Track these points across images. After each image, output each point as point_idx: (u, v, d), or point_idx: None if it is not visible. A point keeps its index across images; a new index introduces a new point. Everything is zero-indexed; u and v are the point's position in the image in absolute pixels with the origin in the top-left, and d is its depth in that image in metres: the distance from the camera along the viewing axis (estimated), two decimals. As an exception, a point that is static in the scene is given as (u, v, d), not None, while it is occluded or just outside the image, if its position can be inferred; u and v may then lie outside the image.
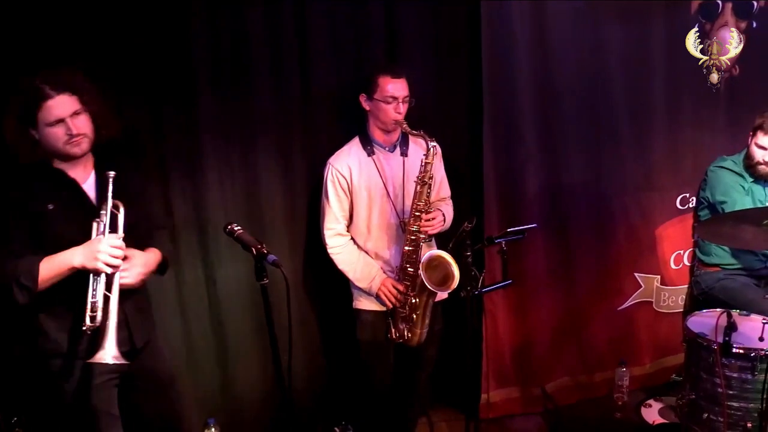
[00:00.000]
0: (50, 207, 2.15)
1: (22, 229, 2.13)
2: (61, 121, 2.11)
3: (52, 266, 2.09)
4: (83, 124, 2.16)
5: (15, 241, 2.11)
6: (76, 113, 2.14)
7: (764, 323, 2.75)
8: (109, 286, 2.11)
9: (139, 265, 2.24)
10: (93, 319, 2.07)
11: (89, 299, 2.08)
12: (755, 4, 3.60)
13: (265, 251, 1.96)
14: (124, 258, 2.15)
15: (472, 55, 3.22)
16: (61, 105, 2.11)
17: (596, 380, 3.75)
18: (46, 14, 2.54)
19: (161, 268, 2.44)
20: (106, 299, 2.10)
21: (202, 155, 2.95)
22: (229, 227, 2.07)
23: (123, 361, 2.09)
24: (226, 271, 3.06)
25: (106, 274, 2.10)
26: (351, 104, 2.96)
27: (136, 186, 2.38)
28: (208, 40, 2.85)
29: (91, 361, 2.06)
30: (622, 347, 3.74)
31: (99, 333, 2.09)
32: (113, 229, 2.16)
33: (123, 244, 2.13)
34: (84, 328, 2.07)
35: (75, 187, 2.21)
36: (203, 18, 2.82)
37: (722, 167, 3.42)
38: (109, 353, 2.05)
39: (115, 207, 2.16)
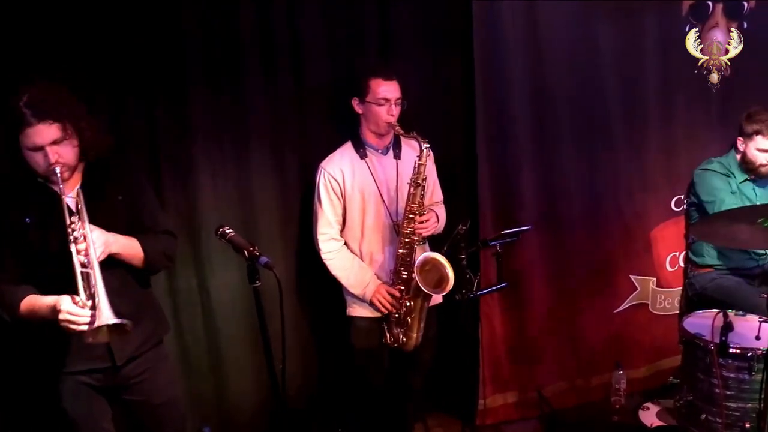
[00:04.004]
0: (27, 220, 2.12)
1: (6, 245, 2.11)
2: (40, 148, 2.07)
3: (33, 306, 2.10)
4: (64, 153, 2.11)
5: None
6: (55, 142, 2.08)
7: (761, 322, 2.75)
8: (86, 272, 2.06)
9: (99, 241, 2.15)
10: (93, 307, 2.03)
11: (85, 299, 2.04)
12: (745, 4, 3.62)
13: (258, 253, 1.94)
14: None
15: (466, 55, 3.22)
16: (41, 133, 2.06)
17: (593, 384, 3.74)
18: (40, 21, 2.53)
19: (148, 266, 2.35)
20: (86, 276, 2.05)
21: (194, 160, 2.94)
22: (221, 230, 2.05)
23: (121, 321, 2.01)
24: (220, 277, 3.04)
25: (81, 263, 2.06)
26: (344, 106, 2.96)
27: (134, 189, 2.34)
28: (200, 42, 2.84)
29: (92, 327, 2.00)
30: (619, 350, 3.73)
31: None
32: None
33: (80, 305, 2.05)
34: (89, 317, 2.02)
35: (55, 198, 2.15)
36: (195, 20, 2.81)
37: (708, 169, 3.43)
38: (105, 317, 1.99)
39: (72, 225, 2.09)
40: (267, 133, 3.05)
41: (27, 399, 2.62)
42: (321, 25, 3.03)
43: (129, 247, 2.25)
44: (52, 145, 2.08)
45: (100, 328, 1.99)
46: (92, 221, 2.12)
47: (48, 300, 2.08)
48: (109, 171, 2.29)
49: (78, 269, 2.02)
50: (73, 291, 2.07)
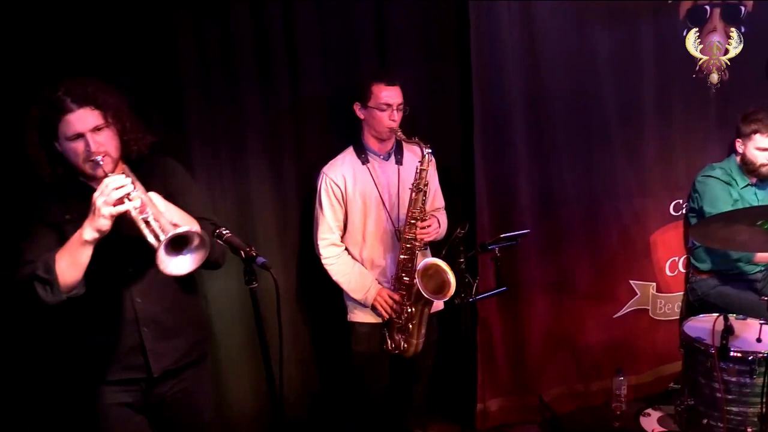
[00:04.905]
0: (67, 217, 2.06)
1: (45, 239, 2.04)
2: (80, 135, 2.00)
3: (67, 249, 1.96)
4: (105, 141, 2.03)
5: (33, 251, 2.01)
6: (97, 128, 2.01)
7: (762, 324, 2.75)
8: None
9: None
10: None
11: (152, 239, 1.90)
12: (743, 8, 3.63)
13: (254, 254, 1.92)
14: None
15: (463, 58, 3.23)
16: (81, 119, 1.99)
17: (593, 389, 3.72)
18: (37, 25, 2.54)
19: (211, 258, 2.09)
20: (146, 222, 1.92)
21: (192, 166, 2.90)
22: (218, 231, 2.03)
23: (185, 230, 1.87)
24: (218, 284, 3.02)
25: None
26: (342, 111, 2.96)
27: (175, 190, 2.22)
28: (196, 50, 2.85)
29: (164, 242, 1.84)
30: (619, 356, 3.72)
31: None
32: None
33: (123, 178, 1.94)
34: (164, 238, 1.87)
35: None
36: (190, 29, 2.82)
37: (711, 176, 3.43)
38: (170, 232, 1.86)
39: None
40: (264, 140, 3.05)
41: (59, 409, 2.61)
42: (317, 27, 3.03)
43: (189, 222, 2.08)
44: (93, 132, 2.01)
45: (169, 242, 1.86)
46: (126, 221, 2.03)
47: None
48: (149, 171, 2.20)
49: (138, 217, 1.92)
50: (108, 288, 2.07)
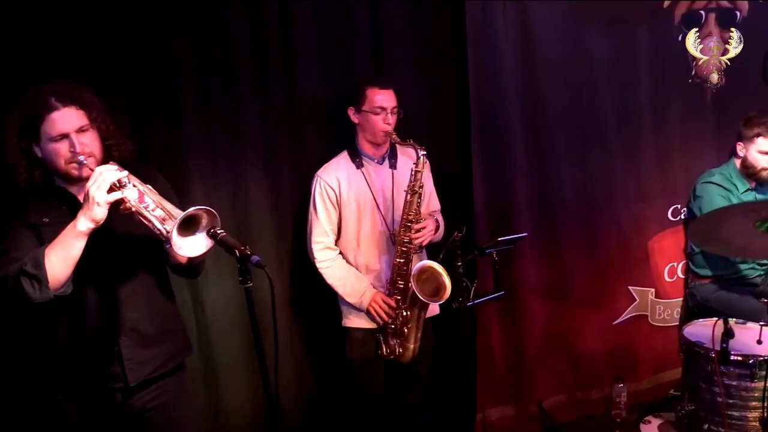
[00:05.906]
0: (45, 220, 2.03)
1: (25, 239, 2.01)
2: (65, 136, 1.96)
3: (57, 242, 1.92)
4: (90, 142, 2.00)
5: (16, 250, 1.97)
6: (82, 129, 1.98)
7: (762, 326, 2.73)
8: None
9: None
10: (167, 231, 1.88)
11: (159, 226, 1.88)
12: (738, 13, 3.65)
13: (249, 252, 1.90)
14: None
15: (460, 61, 3.24)
16: (67, 118, 1.96)
17: (593, 397, 3.70)
18: (32, 28, 2.53)
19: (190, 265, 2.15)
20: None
21: (188, 169, 2.92)
22: (212, 230, 2.01)
23: (193, 210, 1.84)
24: (214, 290, 3.01)
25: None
26: (338, 116, 2.96)
27: (161, 188, 2.17)
28: (192, 55, 2.85)
29: (172, 228, 1.82)
30: (619, 362, 3.69)
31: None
32: None
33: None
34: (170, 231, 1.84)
35: (73, 201, 2.05)
36: (186, 33, 2.82)
37: (710, 182, 3.43)
38: (178, 215, 1.85)
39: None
40: (261, 141, 3.04)
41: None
42: (314, 28, 3.03)
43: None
44: (78, 133, 1.98)
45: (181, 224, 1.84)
46: (110, 228, 1.99)
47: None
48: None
49: (139, 206, 1.90)
50: (87, 294, 2.05)
